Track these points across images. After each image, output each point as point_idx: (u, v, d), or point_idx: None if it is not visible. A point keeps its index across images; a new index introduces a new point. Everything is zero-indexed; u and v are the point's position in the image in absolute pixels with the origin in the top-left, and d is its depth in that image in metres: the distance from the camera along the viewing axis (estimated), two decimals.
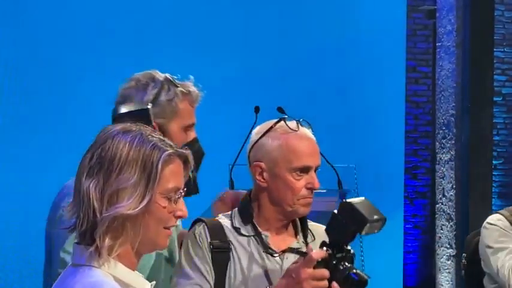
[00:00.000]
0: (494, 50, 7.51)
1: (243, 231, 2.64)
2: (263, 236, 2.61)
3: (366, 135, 6.92)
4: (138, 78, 3.02)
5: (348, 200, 2.36)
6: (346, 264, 2.39)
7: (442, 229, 7.66)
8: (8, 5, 6.01)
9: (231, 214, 2.70)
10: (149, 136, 1.92)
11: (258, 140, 2.69)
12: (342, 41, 6.92)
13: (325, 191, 4.84)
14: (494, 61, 7.57)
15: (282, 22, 6.75)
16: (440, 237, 7.72)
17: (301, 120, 2.72)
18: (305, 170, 2.64)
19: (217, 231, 2.62)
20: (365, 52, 6.98)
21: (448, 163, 7.61)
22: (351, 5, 7.03)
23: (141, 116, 2.83)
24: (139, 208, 1.86)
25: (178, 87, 2.94)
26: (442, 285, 7.74)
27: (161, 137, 1.94)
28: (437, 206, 7.65)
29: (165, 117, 2.90)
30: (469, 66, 7.29)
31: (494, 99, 7.67)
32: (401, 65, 7.39)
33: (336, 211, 2.39)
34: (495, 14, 7.54)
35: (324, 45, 6.84)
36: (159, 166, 1.88)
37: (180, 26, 6.46)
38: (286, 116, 2.67)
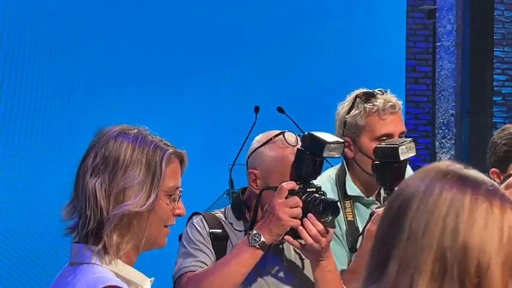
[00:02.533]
0: (494, 49, 7.51)
1: (235, 226, 2.72)
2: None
3: None
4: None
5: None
6: (316, 195, 2.51)
7: None
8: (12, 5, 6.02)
9: (225, 210, 2.78)
10: (149, 136, 1.99)
11: (257, 148, 2.74)
12: (342, 40, 6.92)
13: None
14: (494, 61, 7.57)
15: (282, 22, 6.75)
16: None
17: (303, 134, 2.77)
18: None
19: (214, 222, 2.70)
20: (365, 52, 6.98)
21: None
22: (350, 5, 7.03)
23: None
24: (146, 205, 1.91)
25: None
26: None
27: (160, 138, 1.99)
28: None
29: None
30: (469, 66, 7.29)
31: (494, 99, 7.67)
32: (401, 64, 7.39)
33: (299, 146, 2.56)
34: (495, 13, 7.54)
35: (324, 45, 6.84)
36: (163, 165, 1.94)
37: (180, 25, 6.46)
38: (286, 131, 2.72)
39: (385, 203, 2.67)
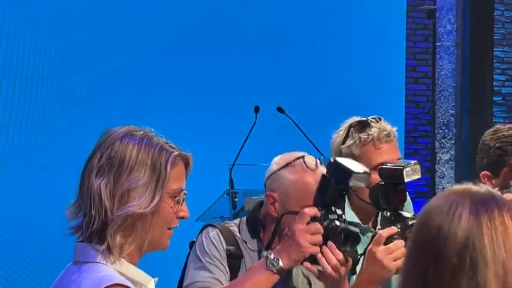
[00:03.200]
0: (494, 49, 7.51)
1: (249, 245, 2.71)
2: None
3: None
4: None
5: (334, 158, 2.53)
6: (337, 223, 2.48)
7: None
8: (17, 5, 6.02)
9: (239, 224, 2.76)
10: (155, 138, 1.99)
11: (276, 170, 2.72)
12: (342, 40, 6.92)
13: None
14: (494, 61, 7.57)
15: (282, 22, 6.75)
16: None
17: (322, 158, 2.75)
18: None
19: (230, 238, 2.69)
20: (365, 52, 6.98)
21: (448, 163, 7.61)
22: (351, 5, 7.03)
23: None
24: (150, 207, 1.92)
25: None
26: None
27: (165, 139, 2.01)
28: None
29: None
30: (469, 66, 7.28)
31: (494, 99, 7.67)
32: (401, 64, 7.39)
33: (324, 173, 2.52)
34: (495, 13, 7.54)
35: (324, 45, 6.84)
36: (168, 167, 1.95)
37: (180, 26, 6.46)
38: (306, 154, 2.71)
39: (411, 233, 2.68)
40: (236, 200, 4.77)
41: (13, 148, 5.94)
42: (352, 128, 2.96)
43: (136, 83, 6.28)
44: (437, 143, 7.85)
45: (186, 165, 2.03)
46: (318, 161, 2.71)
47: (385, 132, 2.92)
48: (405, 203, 2.68)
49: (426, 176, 8.28)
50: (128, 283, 1.89)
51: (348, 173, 2.47)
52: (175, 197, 1.99)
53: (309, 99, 6.61)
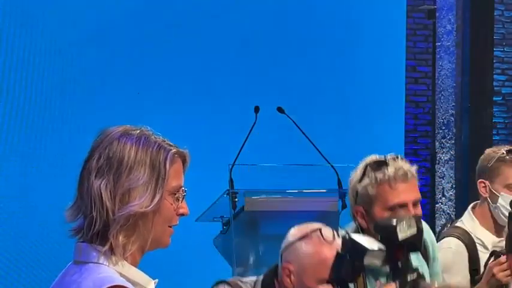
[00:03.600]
0: (494, 49, 7.51)
1: None
2: None
3: (365, 135, 6.91)
4: None
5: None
6: None
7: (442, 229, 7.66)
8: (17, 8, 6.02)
9: (254, 285, 2.76)
10: (152, 137, 2.00)
11: (292, 242, 2.71)
12: (342, 40, 6.91)
13: (325, 191, 4.84)
14: (494, 61, 7.56)
15: (282, 22, 6.75)
16: None
17: (340, 229, 2.73)
18: None
19: None
20: (365, 52, 6.98)
21: (448, 163, 7.61)
22: (350, 5, 7.03)
23: None
24: (151, 206, 1.93)
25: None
26: None
27: (162, 138, 2.01)
28: (437, 205, 7.65)
29: None
30: (469, 66, 7.28)
31: (494, 99, 7.67)
32: (401, 64, 7.39)
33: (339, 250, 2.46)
34: (495, 13, 7.54)
35: (324, 44, 6.84)
36: (167, 165, 1.96)
37: (180, 25, 6.46)
38: (322, 226, 2.70)
39: None
40: (236, 200, 4.76)
41: (13, 148, 5.94)
42: (368, 167, 2.91)
43: (136, 83, 6.28)
44: (437, 143, 7.85)
45: (184, 162, 2.03)
46: (335, 233, 2.68)
47: (402, 172, 2.86)
48: (424, 231, 2.60)
49: (426, 176, 8.28)
50: (128, 285, 1.89)
51: (363, 250, 2.42)
52: (175, 194, 1.99)
53: (309, 99, 6.61)
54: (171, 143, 2.01)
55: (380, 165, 2.89)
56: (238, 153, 4.79)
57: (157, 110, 6.05)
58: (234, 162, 4.88)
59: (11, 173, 5.91)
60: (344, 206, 4.60)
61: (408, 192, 2.87)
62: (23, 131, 5.96)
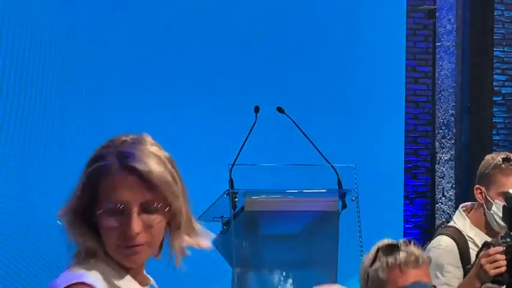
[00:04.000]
0: (494, 49, 7.51)
1: None
2: None
3: (365, 135, 6.92)
4: None
5: None
6: None
7: None
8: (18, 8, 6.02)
9: None
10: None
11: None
12: (342, 40, 6.91)
13: (325, 191, 4.84)
14: (494, 61, 7.56)
15: (282, 22, 6.75)
16: None
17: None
18: None
19: None
20: (365, 52, 6.98)
21: (447, 163, 7.61)
22: (350, 5, 7.03)
23: None
24: None
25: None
26: None
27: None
28: (437, 205, 7.65)
29: None
30: (469, 66, 7.28)
31: (494, 99, 7.67)
32: (401, 64, 7.39)
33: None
34: (495, 13, 7.54)
35: (324, 44, 6.84)
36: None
37: (180, 25, 6.46)
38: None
39: None
40: (236, 200, 4.76)
41: (13, 148, 5.94)
42: (380, 251, 2.96)
43: (136, 83, 6.28)
44: (437, 143, 7.85)
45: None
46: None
47: (413, 257, 2.90)
48: None
49: (426, 176, 8.28)
50: (93, 282, 1.87)
51: None
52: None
53: (309, 99, 6.61)
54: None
55: (392, 249, 2.94)
56: (238, 153, 4.79)
57: (157, 110, 6.05)
58: (234, 162, 4.88)
59: (11, 173, 5.91)
60: (344, 206, 4.60)
61: (419, 278, 2.91)
62: (23, 131, 5.96)
